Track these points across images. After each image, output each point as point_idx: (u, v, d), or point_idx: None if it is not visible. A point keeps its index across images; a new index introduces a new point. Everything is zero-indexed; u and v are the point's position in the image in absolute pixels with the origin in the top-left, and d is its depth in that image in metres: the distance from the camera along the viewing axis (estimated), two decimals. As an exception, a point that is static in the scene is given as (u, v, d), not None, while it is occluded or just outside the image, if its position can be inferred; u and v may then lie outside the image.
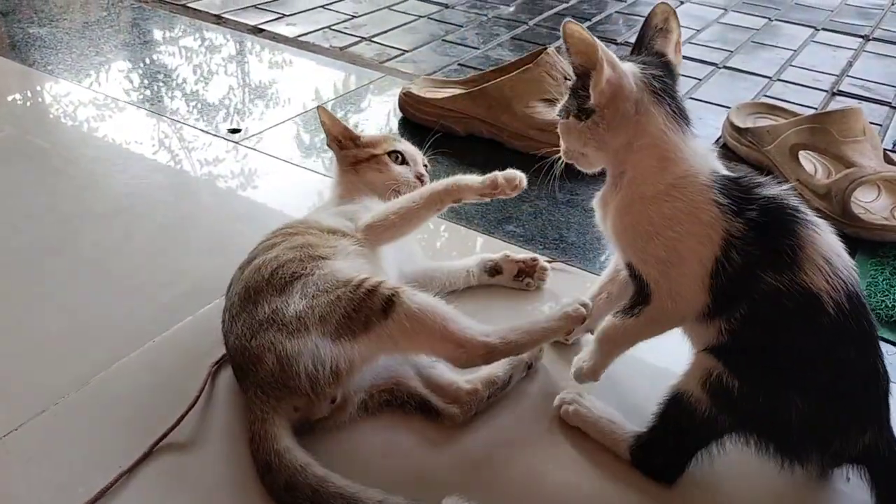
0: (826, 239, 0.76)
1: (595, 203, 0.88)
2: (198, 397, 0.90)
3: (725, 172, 0.81)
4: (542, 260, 1.15)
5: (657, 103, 0.80)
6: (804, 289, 0.74)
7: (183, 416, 0.88)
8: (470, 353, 0.85)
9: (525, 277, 1.13)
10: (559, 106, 0.86)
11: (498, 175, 0.99)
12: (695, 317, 0.80)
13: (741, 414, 0.78)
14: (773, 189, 0.78)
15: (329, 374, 0.82)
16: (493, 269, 1.13)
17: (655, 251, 0.80)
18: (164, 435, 0.86)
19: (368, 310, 0.83)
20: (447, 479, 0.84)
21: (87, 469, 0.83)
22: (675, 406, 0.81)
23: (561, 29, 0.79)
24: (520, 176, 0.99)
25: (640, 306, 0.84)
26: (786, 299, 0.74)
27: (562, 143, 0.87)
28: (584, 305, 0.90)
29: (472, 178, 0.99)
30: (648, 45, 0.85)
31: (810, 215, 0.78)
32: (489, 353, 0.86)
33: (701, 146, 0.83)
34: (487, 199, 1.01)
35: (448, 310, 0.86)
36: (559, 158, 0.90)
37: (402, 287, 0.85)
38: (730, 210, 0.76)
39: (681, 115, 0.81)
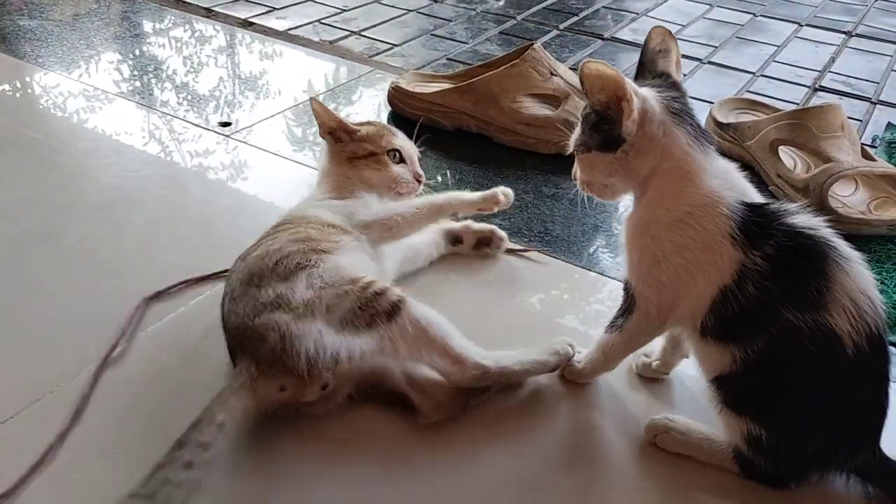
0: (856, 276, 0.75)
1: (624, 221, 0.89)
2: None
3: (750, 199, 0.81)
4: (500, 231, 1.20)
5: (678, 124, 0.81)
6: (826, 330, 0.74)
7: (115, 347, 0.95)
8: (465, 371, 0.88)
9: (483, 247, 1.19)
10: (572, 142, 0.87)
11: (498, 191, 1.11)
12: (696, 334, 0.82)
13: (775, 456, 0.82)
14: (800, 218, 0.78)
15: (329, 360, 0.83)
16: (455, 239, 1.19)
17: (658, 275, 0.82)
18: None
19: (374, 310, 0.86)
20: (417, 471, 0.87)
21: (80, 457, 0.85)
22: (743, 459, 0.84)
23: (579, 71, 0.79)
24: (511, 193, 1.13)
25: (623, 319, 0.88)
26: (805, 339, 0.74)
27: (581, 176, 0.87)
28: (571, 346, 0.95)
29: (469, 196, 1.10)
30: (651, 66, 0.86)
31: (843, 248, 0.77)
32: (483, 375, 0.89)
33: (724, 165, 0.83)
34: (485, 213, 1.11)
35: (449, 326, 0.89)
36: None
37: (407, 296, 0.88)
38: (746, 243, 0.76)
39: (702, 135, 0.82)
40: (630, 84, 0.78)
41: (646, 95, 0.80)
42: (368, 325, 0.85)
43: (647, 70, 0.87)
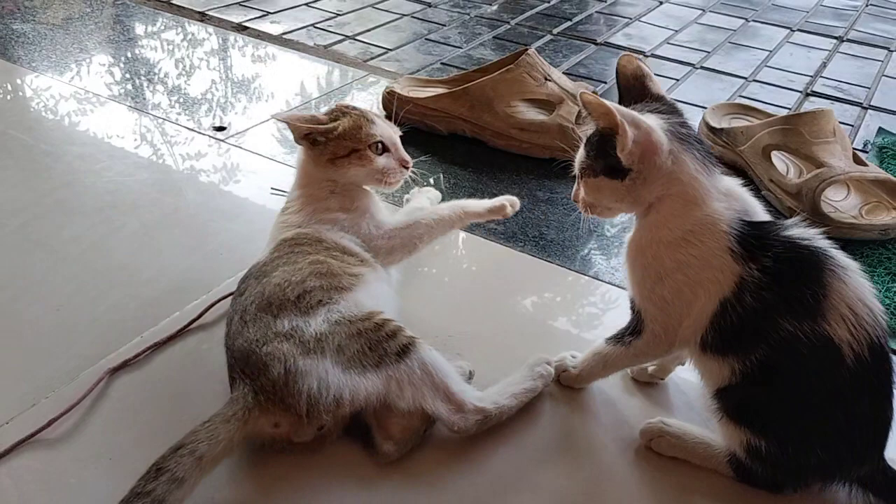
0: (853, 285, 0.75)
1: (626, 242, 0.88)
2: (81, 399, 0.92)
3: (752, 215, 0.81)
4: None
5: (686, 150, 0.80)
6: (825, 338, 0.74)
7: (62, 415, 0.90)
8: (467, 419, 0.87)
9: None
10: (577, 164, 0.86)
11: (506, 203, 1.14)
12: (697, 349, 0.83)
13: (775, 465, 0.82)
14: (796, 230, 0.78)
15: (331, 401, 0.82)
16: None
17: (661, 292, 0.82)
18: (34, 434, 0.87)
19: (383, 350, 0.85)
20: (411, 473, 0.87)
21: (76, 462, 0.85)
22: (737, 464, 0.85)
23: (578, 99, 0.79)
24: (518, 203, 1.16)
25: (631, 337, 0.87)
26: (804, 348, 0.74)
27: (586, 198, 0.87)
28: (549, 363, 0.95)
29: (478, 207, 1.12)
30: (642, 91, 0.86)
31: (839, 258, 0.77)
32: (485, 419, 0.88)
33: (728, 185, 0.83)
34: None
35: (451, 369, 0.88)
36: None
37: (418, 338, 0.87)
38: (744, 256, 0.77)
39: (708, 157, 0.82)
40: (624, 116, 0.77)
41: (652, 125, 0.79)
42: (376, 365, 0.84)
43: (636, 95, 0.87)
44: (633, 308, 0.88)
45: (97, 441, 0.88)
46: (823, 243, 0.78)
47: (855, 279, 0.76)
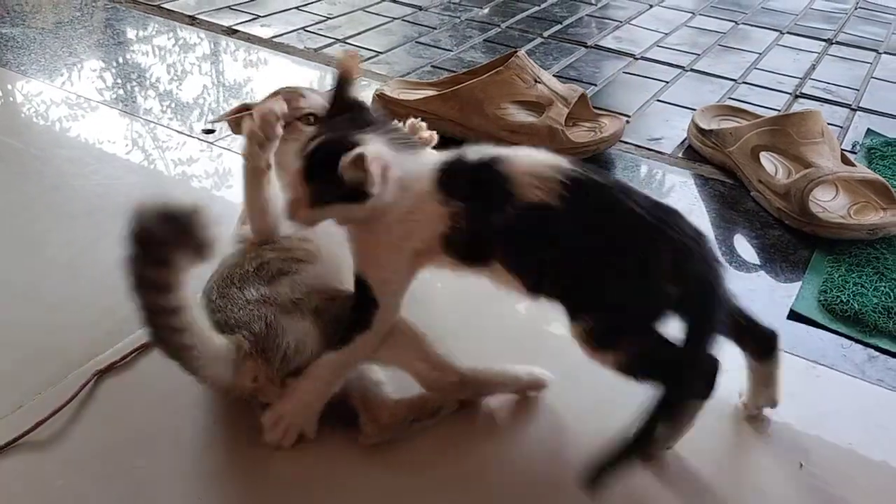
0: (522, 159, 0.81)
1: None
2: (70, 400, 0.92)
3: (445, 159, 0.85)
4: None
5: (399, 152, 0.82)
6: (530, 205, 0.78)
7: (48, 418, 0.89)
8: (445, 376, 0.88)
9: None
10: (296, 195, 0.82)
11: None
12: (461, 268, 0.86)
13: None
14: (472, 154, 0.83)
15: (305, 364, 0.82)
16: None
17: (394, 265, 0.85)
18: (21, 436, 0.87)
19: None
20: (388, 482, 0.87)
21: (63, 465, 0.85)
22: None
23: (343, 159, 0.76)
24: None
25: (374, 311, 0.85)
26: (524, 225, 0.79)
27: (307, 218, 0.83)
28: (543, 374, 0.97)
29: None
30: (346, 97, 0.86)
31: (502, 152, 0.82)
32: (462, 383, 0.89)
33: (428, 157, 0.86)
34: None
35: (426, 334, 0.89)
36: None
37: None
38: (448, 197, 0.81)
39: (407, 142, 0.85)
40: (378, 164, 0.77)
41: (384, 154, 0.79)
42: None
43: (344, 102, 0.86)
44: (357, 285, 0.85)
45: (85, 444, 0.88)
46: (492, 151, 0.83)
47: (521, 155, 0.82)
